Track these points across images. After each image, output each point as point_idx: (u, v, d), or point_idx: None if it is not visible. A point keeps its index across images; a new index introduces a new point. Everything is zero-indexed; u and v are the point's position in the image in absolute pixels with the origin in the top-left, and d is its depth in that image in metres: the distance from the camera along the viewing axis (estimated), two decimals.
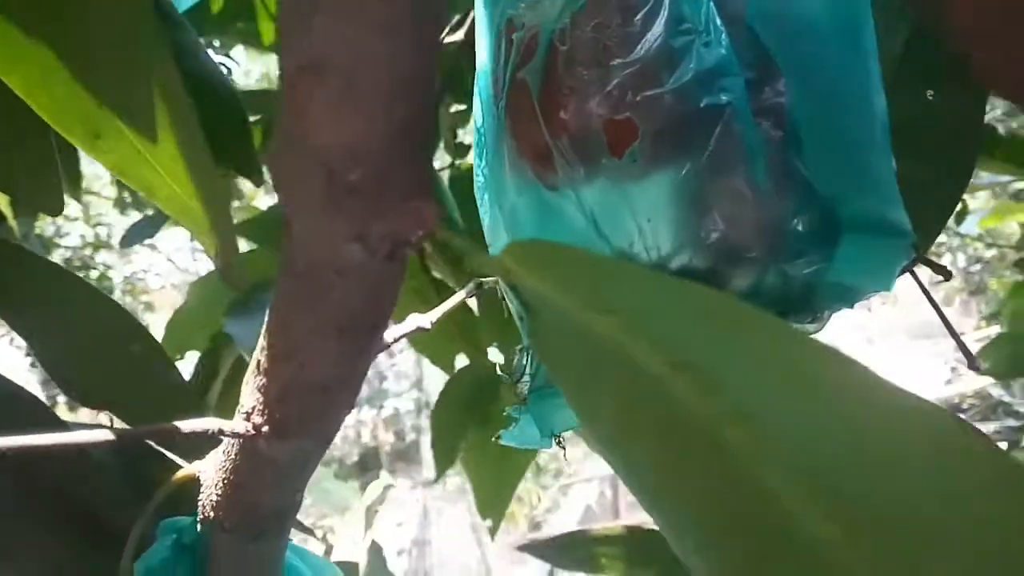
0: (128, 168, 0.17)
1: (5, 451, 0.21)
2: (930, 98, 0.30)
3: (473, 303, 0.74)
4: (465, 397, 0.75)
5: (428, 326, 0.30)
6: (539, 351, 0.19)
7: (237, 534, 0.27)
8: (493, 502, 0.80)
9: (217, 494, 0.26)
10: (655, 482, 0.17)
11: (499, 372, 0.37)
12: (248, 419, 0.23)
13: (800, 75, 0.28)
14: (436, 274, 0.72)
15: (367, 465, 4.79)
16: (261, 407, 0.23)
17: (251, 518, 0.26)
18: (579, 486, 3.39)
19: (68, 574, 0.40)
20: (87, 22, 0.15)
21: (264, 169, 0.59)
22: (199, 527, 0.28)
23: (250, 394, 0.23)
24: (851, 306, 0.31)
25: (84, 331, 0.34)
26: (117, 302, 0.35)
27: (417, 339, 0.77)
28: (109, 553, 0.39)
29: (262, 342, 0.22)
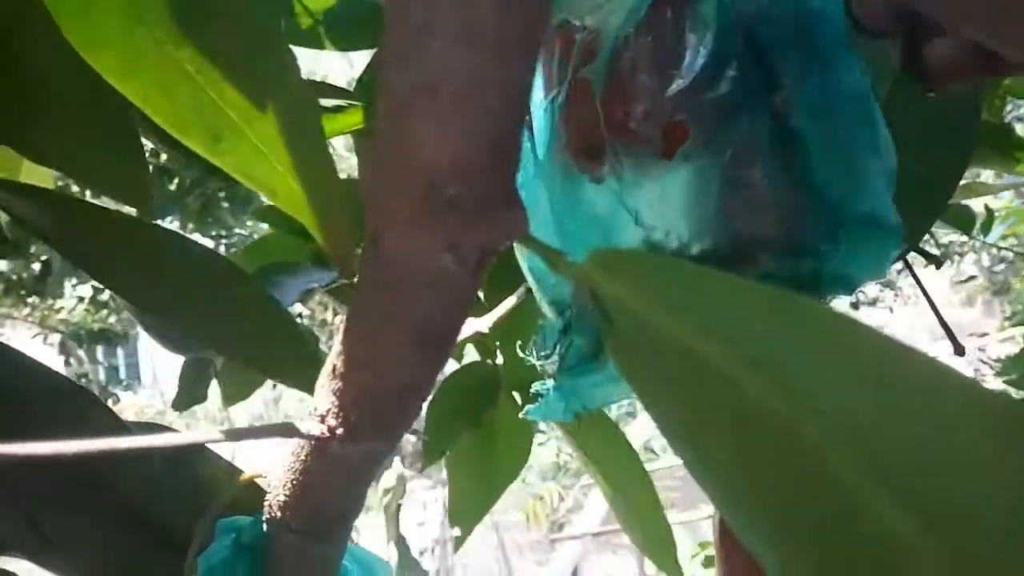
0: (249, 169, 0.17)
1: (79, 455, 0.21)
2: (928, 97, 0.32)
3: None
4: (465, 392, 0.75)
5: (486, 331, 0.31)
6: (615, 355, 0.19)
7: (303, 534, 0.27)
8: (467, 512, 0.78)
9: (285, 495, 0.26)
10: (729, 478, 0.17)
11: (522, 353, 0.38)
12: (323, 421, 0.23)
13: (803, 86, 0.31)
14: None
15: (386, 464, 4.86)
16: (336, 410, 0.23)
17: (318, 519, 0.27)
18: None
19: (118, 569, 0.41)
20: (230, 25, 0.16)
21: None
22: (265, 527, 0.28)
23: (324, 397, 0.23)
24: (850, 293, 0.34)
25: (183, 282, 0.35)
26: (211, 248, 0.36)
27: None
28: (161, 549, 0.39)
29: (338, 348, 0.23)
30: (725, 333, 0.16)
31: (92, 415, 0.40)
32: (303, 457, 0.25)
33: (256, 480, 0.31)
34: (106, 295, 3.54)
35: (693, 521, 2.42)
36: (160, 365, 5.90)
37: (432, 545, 3.42)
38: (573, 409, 0.37)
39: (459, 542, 0.80)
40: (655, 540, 0.72)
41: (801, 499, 0.15)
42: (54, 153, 0.32)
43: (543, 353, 0.37)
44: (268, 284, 0.65)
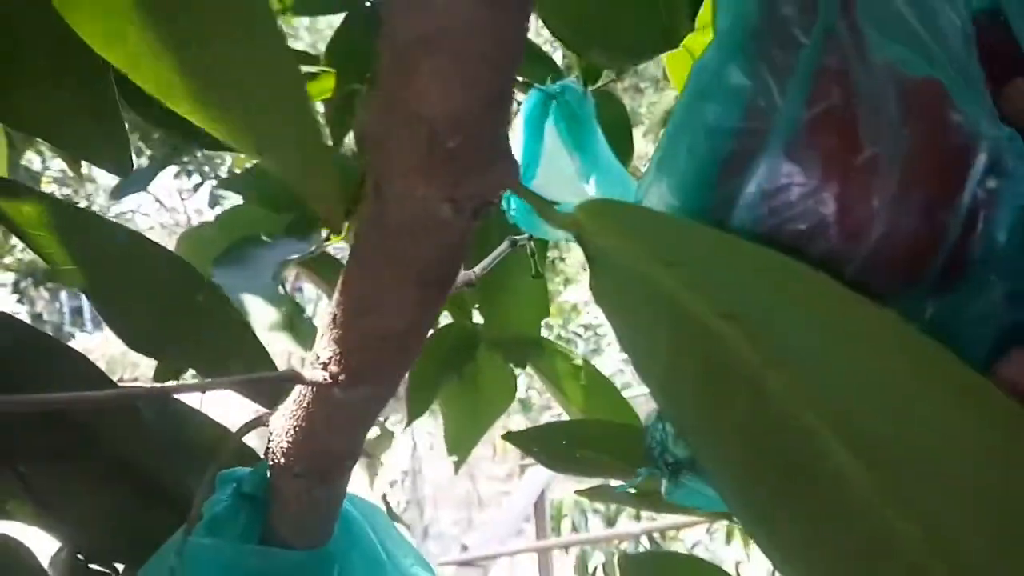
0: (235, 131, 0.17)
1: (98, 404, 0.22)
2: None
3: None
4: (443, 352, 0.77)
5: (474, 279, 0.31)
6: (598, 299, 0.20)
7: (306, 478, 0.28)
8: (462, 441, 0.84)
9: (288, 441, 0.27)
10: (698, 420, 0.18)
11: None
12: (325, 368, 0.24)
13: None
14: None
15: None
16: (337, 357, 0.24)
17: (320, 463, 0.27)
18: (566, 419, 3.44)
19: (114, 526, 0.41)
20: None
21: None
22: (268, 474, 0.29)
23: (326, 346, 0.24)
24: None
25: (149, 287, 0.35)
26: (179, 256, 0.36)
27: None
28: (151, 503, 0.40)
29: (337, 297, 0.23)
30: (702, 284, 0.17)
31: (76, 370, 0.40)
32: (305, 404, 0.26)
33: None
34: None
35: None
36: None
37: (402, 477, 3.48)
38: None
39: (457, 466, 0.85)
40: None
41: (762, 441, 0.17)
42: (34, 118, 0.32)
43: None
44: (245, 257, 0.64)
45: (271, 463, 0.28)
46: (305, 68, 0.61)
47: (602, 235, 0.19)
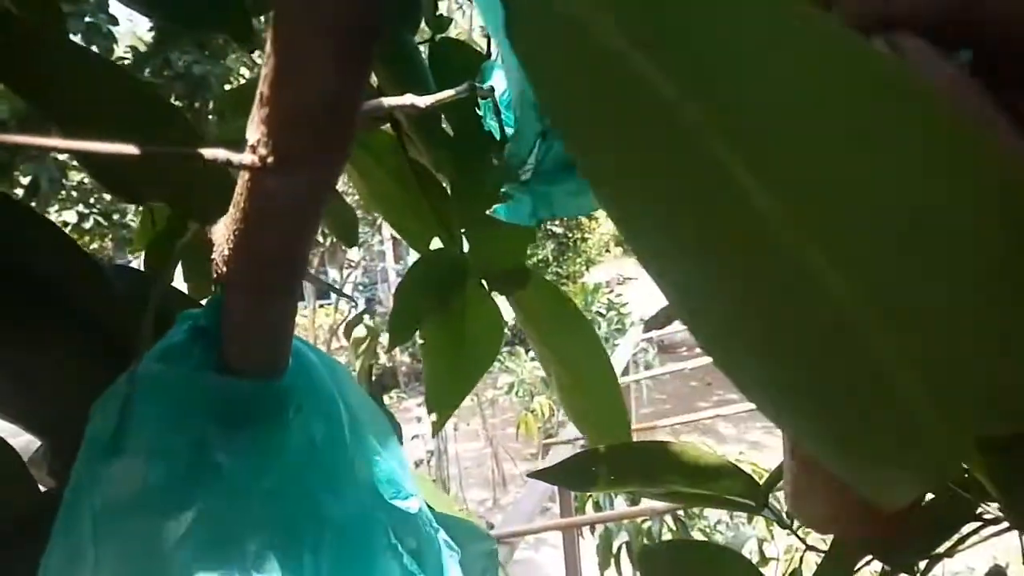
0: None
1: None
2: None
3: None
4: (432, 276, 0.75)
5: (423, 105, 0.31)
6: (515, 43, 0.19)
7: (247, 290, 0.28)
8: (443, 397, 0.78)
9: (229, 248, 0.27)
10: (617, 165, 0.18)
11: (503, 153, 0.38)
12: (254, 151, 0.24)
13: None
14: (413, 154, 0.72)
15: (386, 384, 4.95)
16: (265, 138, 0.23)
17: (259, 269, 0.27)
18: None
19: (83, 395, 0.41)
20: None
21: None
22: (213, 288, 0.29)
23: (255, 129, 0.24)
24: None
25: (127, 124, 0.34)
26: (157, 91, 0.35)
27: (397, 222, 0.77)
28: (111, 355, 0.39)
29: (264, 71, 0.23)
30: (616, 10, 0.16)
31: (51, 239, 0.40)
32: (241, 204, 0.26)
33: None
34: (91, 222, 3.51)
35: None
36: None
37: (427, 456, 3.49)
38: (540, 215, 0.37)
39: (436, 427, 0.80)
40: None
41: (676, 176, 0.16)
42: None
43: (517, 158, 0.37)
44: None
45: (215, 275, 0.28)
46: None
47: None
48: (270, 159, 0.24)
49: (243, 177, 0.25)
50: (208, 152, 0.24)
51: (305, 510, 0.32)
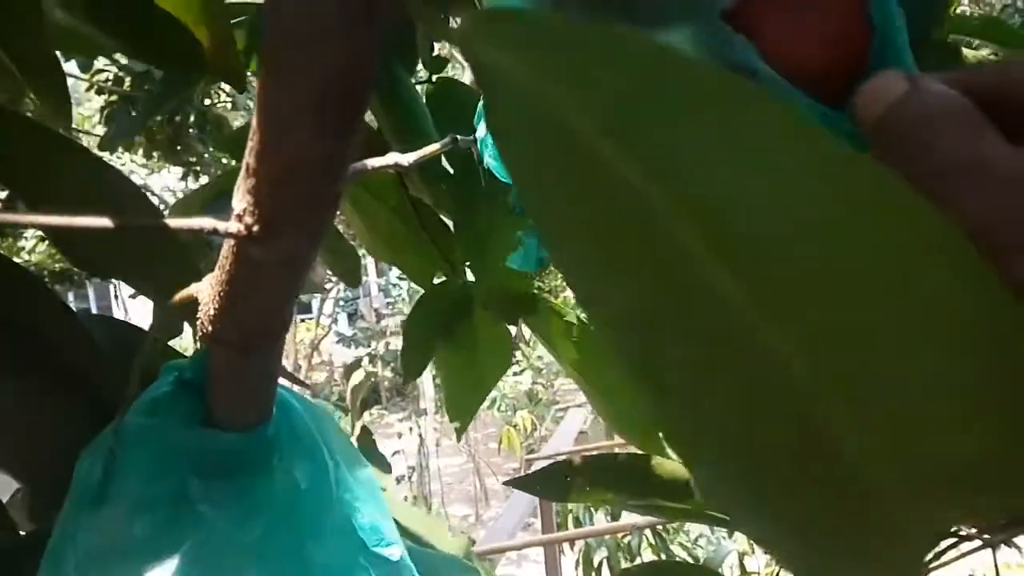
0: None
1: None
2: None
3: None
4: (438, 309, 0.78)
5: (406, 164, 0.32)
6: (491, 125, 0.19)
7: (233, 348, 0.28)
8: (461, 409, 0.84)
9: (214, 308, 0.28)
10: (586, 258, 0.18)
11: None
12: (240, 220, 0.24)
13: None
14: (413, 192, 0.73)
15: (367, 399, 4.95)
16: (252, 208, 0.24)
17: (245, 331, 0.28)
18: (572, 411, 3.45)
19: (61, 445, 0.42)
20: None
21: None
22: (197, 344, 0.29)
23: (241, 198, 0.24)
24: None
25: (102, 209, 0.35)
26: (130, 179, 0.36)
27: (400, 259, 0.78)
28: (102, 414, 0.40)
29: (250, 144, 0.23)
30: (586, 99, 0.16)
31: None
32: (227, 267, 0.26)
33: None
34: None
35: None
36: (132, 307, 5.88)
37: (409, 472, 3.48)
38: (544, 257, 0.38)
39: (459, 432, 0.86)
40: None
41: (637, 249, 0.16)
42: None
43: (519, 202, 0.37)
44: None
45: (200, 333, 0.29)
46: None
47: (489, 50, 0.18)
48: (256, 227, 0.24)
49: (229, 243, 0.26)
50: (195, 222, 0.24)
51: (289, 557, 0.32)
